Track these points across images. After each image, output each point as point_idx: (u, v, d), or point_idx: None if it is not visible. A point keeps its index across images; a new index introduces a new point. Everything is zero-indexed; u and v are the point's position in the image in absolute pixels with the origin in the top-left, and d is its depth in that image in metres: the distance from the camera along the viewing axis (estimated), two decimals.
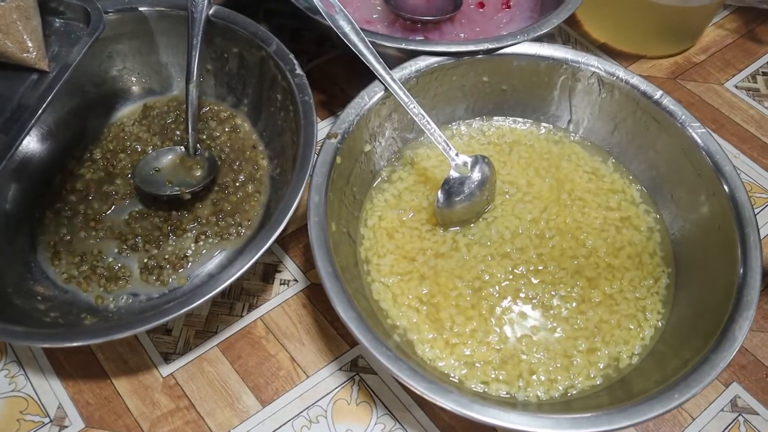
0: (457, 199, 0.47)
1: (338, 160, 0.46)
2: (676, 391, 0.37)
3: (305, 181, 0.44)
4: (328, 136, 0.46)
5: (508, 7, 0.62)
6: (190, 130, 0.52)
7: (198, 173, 0.52)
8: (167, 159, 0.53)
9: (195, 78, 0.52)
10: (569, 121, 0.54)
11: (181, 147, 0.54)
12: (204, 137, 0.55)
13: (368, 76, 0.48)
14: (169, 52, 0.56)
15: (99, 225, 0.51)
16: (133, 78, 0.57)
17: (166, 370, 0.46)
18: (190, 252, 0.50)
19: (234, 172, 0.53)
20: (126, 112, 0.58)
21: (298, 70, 0.49)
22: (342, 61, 0.60)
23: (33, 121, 0.46)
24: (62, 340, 0.41)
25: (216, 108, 0.57)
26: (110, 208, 0.52)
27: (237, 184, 0.53)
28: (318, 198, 0.44)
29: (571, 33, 0.65)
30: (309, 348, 0.47)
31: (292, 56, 0.50)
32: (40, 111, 0.46)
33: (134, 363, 0.47)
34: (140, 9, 0.54)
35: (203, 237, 0.50)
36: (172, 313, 0.40)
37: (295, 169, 0.45)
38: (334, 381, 0.46)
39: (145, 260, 0.49)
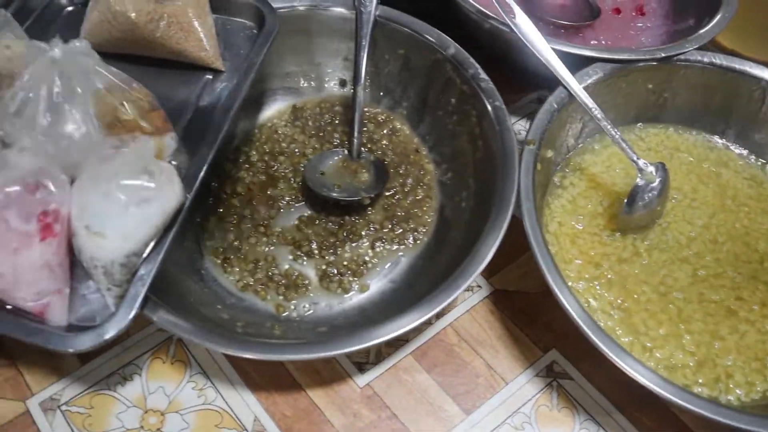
0: (642, 204, 0.48)
1: (538, 166, 0.46)
2: None
3: (514, 189, 0.44)
4: (527, 143, 0.46)
5: (642, 14, 0.63)
6: (355, 133, 0.51)
7: (364, 177, 0.51)
8: (331, 162, 0.52)
9: (363, 80, 0.51)
10: (725, 129, 0.55)
11: (344, 150, 0.53)
12: (364, 140, 0.54)
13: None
14: (323, 52, 0.55)
15: (269, 231, 0.49)
16: (284, 78, 0.56)
17: (361, 380, 0.45)
18: (367, 258, 0.49)
19: (401, 176, 0.52)
20: (274, 112, 0.56)
21: (483, 75, 0.49)
22: (486, 65, 0.59)
23: (227, 123, 0.44)
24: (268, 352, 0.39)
25: (371, 110, 0.56)
26: (278, 213, 0.50)
27: (406, 189, 0.52)
28: (529, 204, 0.43)
29: None
30: (503, 355, 0.47)
31: (473, 60, 0.50)
32: (232, 113, 0.45)
33: (327, 374, 0.45)
34: (300, 8, 0.52)
35: (380, 243, 0.49)
36: (383, 336, 0.38)
37: (497, 177, 0.45)
38: (532, 387, 0.46)
39: (324, 267, 0.48)
